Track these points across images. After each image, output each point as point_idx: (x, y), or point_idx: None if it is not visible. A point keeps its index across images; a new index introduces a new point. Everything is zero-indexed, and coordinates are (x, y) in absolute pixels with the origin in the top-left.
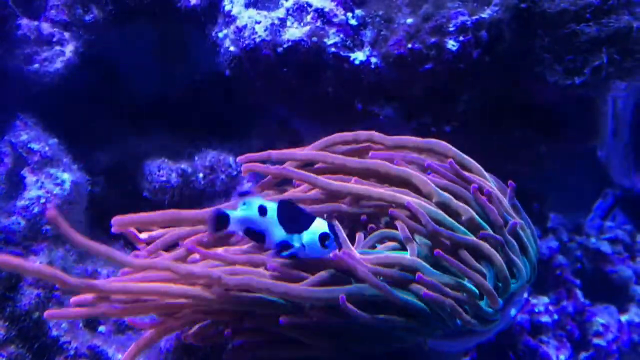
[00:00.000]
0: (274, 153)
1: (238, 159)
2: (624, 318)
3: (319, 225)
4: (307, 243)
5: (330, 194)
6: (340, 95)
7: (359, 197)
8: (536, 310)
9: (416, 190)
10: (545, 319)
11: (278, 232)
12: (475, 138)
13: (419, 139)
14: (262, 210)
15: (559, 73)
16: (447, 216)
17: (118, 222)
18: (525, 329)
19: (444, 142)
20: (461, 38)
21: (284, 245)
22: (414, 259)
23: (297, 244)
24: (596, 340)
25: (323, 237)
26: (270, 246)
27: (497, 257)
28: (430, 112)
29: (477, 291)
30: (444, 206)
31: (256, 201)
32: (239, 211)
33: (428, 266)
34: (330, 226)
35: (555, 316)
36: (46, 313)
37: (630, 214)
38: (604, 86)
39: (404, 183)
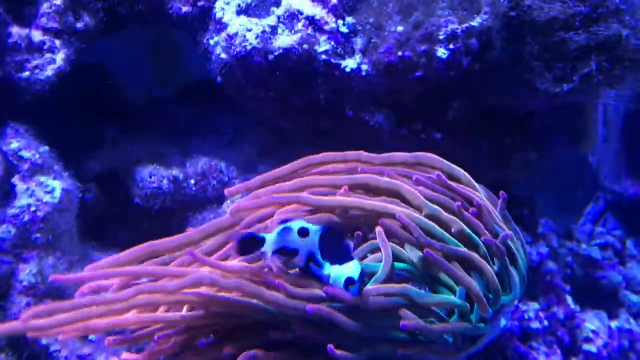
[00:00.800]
0: (261, 191)
1: (226, 191)
2: (614, 324)
3: (352, 268)
4: (334, 277)
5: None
6: (331, 102)
7: (350, 209)
8: (526, 316)
9: (406, 203)
10: (535, 325)
11: (312, 247)
12: (465, 145)
13: (406, 154)
14: (303, 232)
15: (549, 81)
16: (437, 227)
17: (92, 269)
18: (515, 335)
19: (431, 155)
20: (451, 46)
21: (315, 262)
22: (404, 287)
23: (326, 272)
24: (586, 347)
25: (349, 281)
26: (299, 264)
27: (488, 268)
28: (420, 119)
29: (467, 305)
30: (433, 218)
31: (298, 223)
32: (272, 237)
33: (416, 290)
34: (362, 273)
35: (546, 322)
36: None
37: (621, 219)
38: (593, 94)
39: (394, 196)
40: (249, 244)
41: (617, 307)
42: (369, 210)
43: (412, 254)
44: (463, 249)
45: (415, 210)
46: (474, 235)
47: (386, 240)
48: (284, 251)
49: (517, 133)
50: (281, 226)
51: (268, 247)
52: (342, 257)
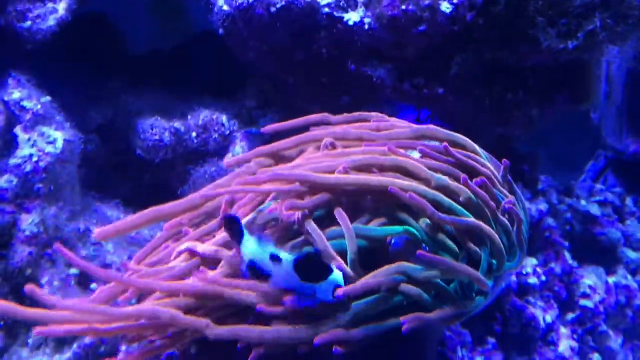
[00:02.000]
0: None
1: (225, 162)
2: (611, 280)
3: (336, 277)
4: (321, 291)
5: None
6: (333, 56)
7: (358, 187)
8: (524, 272)
9: (413, 177)
10: (532, 280)
11: (289, 279)
12: (467, 100)
13: (407, 130)
14: (275, 258)
15: (553, 36)
16: (445, 197)
17: (100, 234)
18: (512, 290)
19: (432, 126)
20: (455, 0)
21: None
22: (400, 265)
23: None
24: (583, 302)
25: (337, 288)
26: (274, 286)
27: (496, 238)
28: (423, 74)
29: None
30: (442, 189)
31: (269, 248)
32: (252, 245)
33: (412, 266)
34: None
35: (543, 277)
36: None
37: (621, 176)
38: (597, 50)
39: (400, 172)
40: (232, 229)
41: (615, 263)
42: (375, 187)
43: (422, 222)
44: (472, 219)
45: (423, 182)
46: (480, 203)
47: (346, 218)
48: (254, 269)
49: (520, 89)
50: (256, 238)
51: (245, 251)
52: (321, 274)
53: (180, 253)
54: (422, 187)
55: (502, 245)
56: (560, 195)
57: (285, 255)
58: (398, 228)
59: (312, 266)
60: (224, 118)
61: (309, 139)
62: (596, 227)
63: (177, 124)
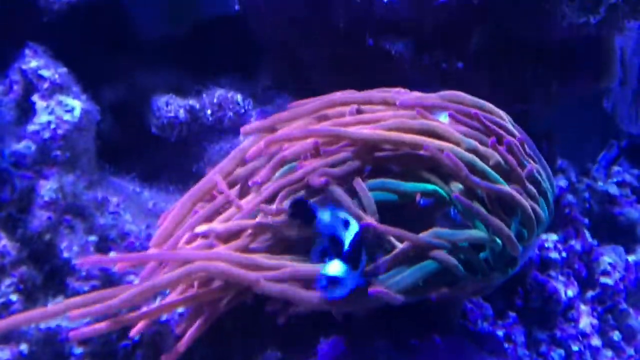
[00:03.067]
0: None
1: (242, 129)
2: (631, 258)
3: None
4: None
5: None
6: (351, 30)
7: (392, 144)
8: (545, 245)
9: (442, 140)
10: (554, 255)
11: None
12: (486, 75)
13: (434, 94)
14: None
15: (574, 10)
16: (478, 160)
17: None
18: (535, 264)
19: (459, 92)
20: None
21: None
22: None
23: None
24: (603, 279)
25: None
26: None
27: (527, 206)
28: (442, 48)
29: (497, 241)
30: (470, 152)
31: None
32: (327, 217)
33: (444, 231)
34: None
35: (564, 254)
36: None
37: (636, 161)
38: (617, 25)
39: (429, 136)
40: (303, 213)
41: (634, 243)
42: (409, 144)
43: (454, 186)
44: (505, 186)
45: (455, 142)
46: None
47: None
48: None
49: (539, 64)
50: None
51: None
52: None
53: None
54: (458, 149)
55: (532, 215)
56: (579, 176)
57: (354, 224)
58: (429, 186)
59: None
60: (239, 97)
61: (331, 102)
62: (615, 206)
63: (192, 101)
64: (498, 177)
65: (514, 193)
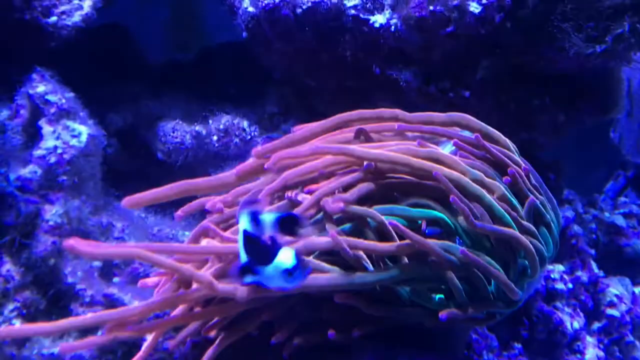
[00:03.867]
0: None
1: (253, 151)
2: (637, 290)
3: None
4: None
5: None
6: (358, 59)
7: (397, 164)
8: (552, 276)
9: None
10: (560, 286)
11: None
12: (493, 105)
13: (443, 115)
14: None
15: (580, 40)
16: (486, 194)
17: (129, 202)
18: (541, 294)
19: (468, 116)
20: (484, 1)
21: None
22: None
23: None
24: (609, 311)
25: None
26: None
27: (531, 249)
28: (449, 77)
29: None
30: (477, 183)
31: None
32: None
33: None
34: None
35: (570, 285)
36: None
37: None
38: (624, 57)
39: (435, 163)
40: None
41: None
42: (416, 169)
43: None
44: (510, 230)
45: (460, 172)
46: (514, 199)
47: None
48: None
49: (547, 95)
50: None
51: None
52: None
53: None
54: (466, 179)
55: (535, 255)
56: (586, 207)
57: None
58: (437, 213)
59: (258, 246)
60: (245, 123)
61: (341, 120)
62: (621, 238)
63: (198, 127)
64: (504, 212)
65: (518, 235)
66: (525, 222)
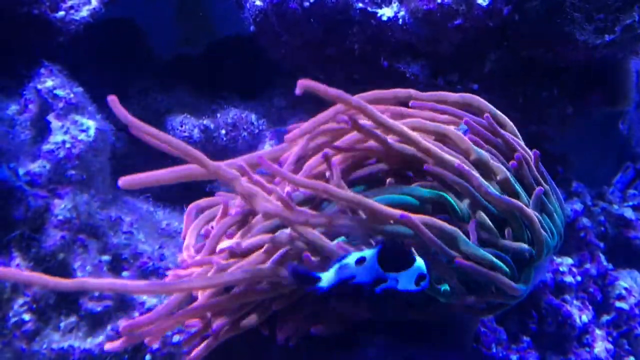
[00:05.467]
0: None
1: (285, 137)
2: None
3: (419, 265)
4: (402, 280)
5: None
6: (366, 52)
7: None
8: (560, 269)
9: (454, 145)
10: (569, 279)
11: (373, 272)
12: (501, 97)
13: (456, 95)
14: (360, 261)
15: (589, 32)
16: (484, 181)
17: (126, 182)
18: (549, 287)
19: (480, 99)
20: None
21: (377, 280)
22: (456, 229)
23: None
24: (618, 304)
25: (420, 277)
26: (364, 292)
27: (537, 222)
28: (457, 70)
29: (508, 271)
30: (480, 163)
31: (353, 256)
32: (332, 271)
33: (465, 239)
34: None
35: (579, 278)
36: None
37: None
38: (633, 47)
39: (441, 140)
40: (303, 280)
41: None
42: (423, 149)
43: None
44: (516, 202)
45: (463, 154)
46: (517, 185)
47: None
48: (344, 283)
49: (555, 87)
50: (337, 264)
51: (325, 284)
52: (404, 263)
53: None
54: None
55: (542, 231)
56: (594, 199)
57: (368, 252)
58: (445, 194)
59: (395, 256)
60: (253, 117)
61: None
62: (630, 230)
63: (206, 121)
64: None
65: (524, 207)
66: (527, 209)
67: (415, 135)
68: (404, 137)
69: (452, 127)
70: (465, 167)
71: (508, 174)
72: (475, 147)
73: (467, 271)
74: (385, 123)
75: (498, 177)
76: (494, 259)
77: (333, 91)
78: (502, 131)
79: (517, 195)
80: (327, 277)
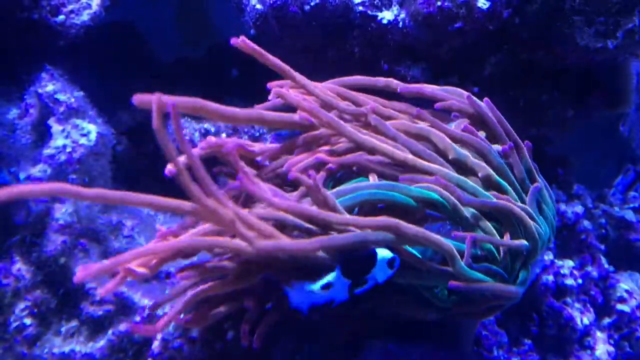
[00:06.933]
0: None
1: (269, 84)
2: None
3: (383, 256)
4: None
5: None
6: (366, 55)
7: (382, 155)
8: (561, 272)
9: (434, 146)
10: (570, 282)
11: (347, 287)
12: (501, 100)
13: (436, 87)
14: (326, 286)
15: (590, 36)
16: (468, 181)
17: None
18: (550, 290)
19: (461, 90)
20: None
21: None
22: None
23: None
24: (619, 306)
25: (389, 263)
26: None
27: (527, 218)
28: (457, 73)
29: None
30: (459, 163)
31: (316, 286)
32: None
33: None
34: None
35: (580, 280)
36: None
37: None
38: (634, 51)
39: (423, 139)
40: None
41: None
42: (400, 162)
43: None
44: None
45: (442, 153)
46: (502, 180)
47: None
48: (325, 307)
49: (555, 90)
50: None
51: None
52: (369, 263)
53: None
54: (446, 171)
55: (533, 227)
56: (595, 202)
57: (330, 276)
58: (433, 194)
59: (357, 265)
60: None
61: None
62: (631, 233)
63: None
64: (489, 196)
65: (512, 206)
66: (516, 208)
67: (388, 147)
68: (379, 152)
69: (434, 130)
70: (443, 180)
71: (489, 170)
72: (455, 146)
73: (461, 291)
74: (357, 140)
75: (480, 174)
76: (487, 279)
77: (307, 105)
78: (487, 115)
79: (502, 190)
80: (295, 297)
